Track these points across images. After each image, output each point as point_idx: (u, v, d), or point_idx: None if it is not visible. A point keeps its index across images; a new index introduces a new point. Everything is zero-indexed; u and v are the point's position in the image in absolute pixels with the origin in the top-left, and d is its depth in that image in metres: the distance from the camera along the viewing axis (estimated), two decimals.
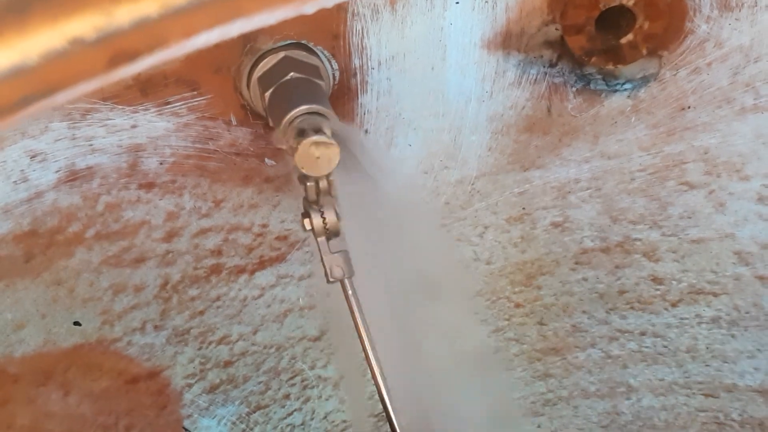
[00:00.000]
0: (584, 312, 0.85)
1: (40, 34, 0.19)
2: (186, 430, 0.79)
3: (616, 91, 0.66)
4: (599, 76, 0.65)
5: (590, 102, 0.67)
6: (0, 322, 0.65)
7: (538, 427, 0.95)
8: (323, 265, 0.58)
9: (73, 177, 0.60)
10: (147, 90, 0.57)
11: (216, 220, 0.67)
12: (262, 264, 0.72)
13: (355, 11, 0.57)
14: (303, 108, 0.52)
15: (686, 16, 0.62)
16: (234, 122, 0.61)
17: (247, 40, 0.57)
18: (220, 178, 0.64)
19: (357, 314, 0.58)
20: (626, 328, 0.86)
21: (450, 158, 0.70)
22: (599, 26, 0.61)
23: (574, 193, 0.74)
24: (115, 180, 0.62)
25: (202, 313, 0.73)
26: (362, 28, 0.58)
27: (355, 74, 0.60)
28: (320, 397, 0.84)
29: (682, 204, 0.75)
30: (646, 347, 0.88)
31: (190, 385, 0.77)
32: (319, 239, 0.58)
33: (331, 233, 0.58)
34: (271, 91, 0.55)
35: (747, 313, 0.83)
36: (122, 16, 0.20)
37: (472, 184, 0.72)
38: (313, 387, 0.83)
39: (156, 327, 0.72)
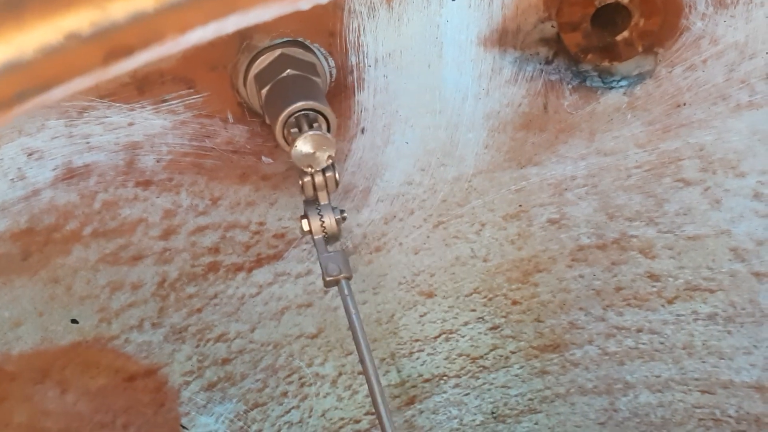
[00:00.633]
0: (581, 309, 0.85)
1: (36, 29, 0.19)
2: (184, 427, 0.79)
3: (612, 88, 0.67)
4: (595, 73, 0.66)
5: (586, 99, 0.67)
6: None
7: (536, 424, 0.95)
8: (321, 265, 0.58)
9: (70, 175, 0.60)
10: (144, 88, 0.57)
11: (213, 218, 0.67)
12: (260, 262, 0.72)
13: (352, 8, 0.57)
14: (300, 105, 0.52)
15: (681, 13, 0.62)
16: (231, 120, 0.61)
17: (244, 37, 0.57)
18: (217, 175, 0.65)
19: (353, 315, 0.58)
20: (623, 324, 0.86)
21: (447, 155, 0.70)
22: (595, 23, 0.61)
23: (571, 190, 0.75)
24: (112, 178, 0.62)
25: (199, 310, 0.73)
26: (359, 26, 0.58)
27: (352, 72, 0.60)
28: (318, 394, 0.84)
29: (678, 201, 0.76)
30: (643, 344, 0.88)
31: (187, 383, 0.77)
32: (316, 239, 0.58)
33: (330, 236, 0.57)
34: (267, 88, 0.55)
35: (743, 309, 0.83)
36: (118, 11, 0.20)
37: (469, 182, 0.72)
38: (310, 384, 0.83)
39: (153, 324, 0.72)
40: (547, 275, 0.81)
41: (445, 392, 0.90)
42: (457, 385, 0.90)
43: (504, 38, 0.62)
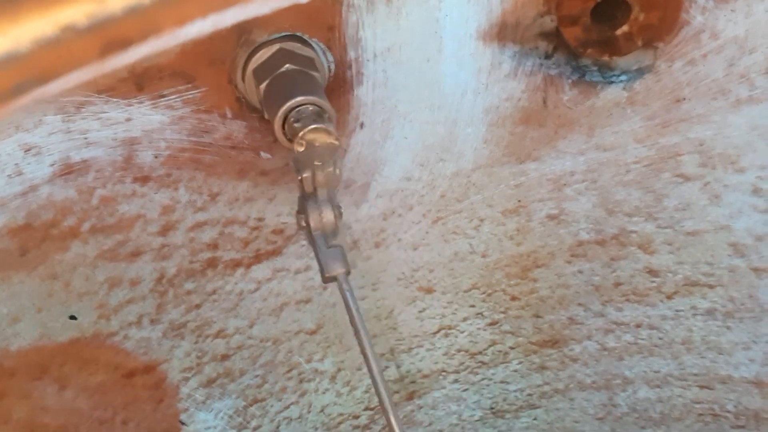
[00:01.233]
0: (580, 304, 0.85)
1: (33, 21, 0.19)
2: (183, 423, 0.79)
3: (611, 82, 0.66)
4: (595, 68, 0.65)
5: (586, 94, 0.67)
6: None
7: (535, 419, 0.96)
8: (318, 262, 0.58)
9: (68, 170, 0.60)
10: (142, 83, 0.57)
11: (211, 214, 0.67)
12: (258, 257, 0.72)
13: (350, 3, 0.57)
14: (299, 100, 0.52)
15: (682, 7, 0.62)
16: (229, 115, 0.61)
17: (242, 32, 0.57)
18: (215, 171, 0.64)
19: (354, 311, 0.58)
20: (622, 320, 0.86)
21: (446, 151, 0.69)
22: (594, 17, 0.61)
23: (570, 186, 0.75)
24: (110, 173, 0.62)
25: (198, 306, 0.73)
26: (357, 20, 0.58)
27: (351, 66, 0.60)
28: (317, 390, 0.84)
29: (677, 196, 0.76)
30: (642, 339, 0.88)
31: (186, 379, 0.77)
32: (315, 234, 0.57)
33: (328, 231, 0.57)
34: (266, 83, 0.55)
35: (742, 304, 0.84)
36: (115, 3, 0.20)
37: (468, 177, 0.72)
38: (309, 380, 0.83)
39: (152, 321, 0.72)
40: (546, 271, 0.81)
41: (444, 388, 0.90)
42: (456, 381, 0.90)
43: (503, 32, 0.62)
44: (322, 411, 0.86)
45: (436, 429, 0.93)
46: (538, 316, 0.86)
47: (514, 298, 0.84)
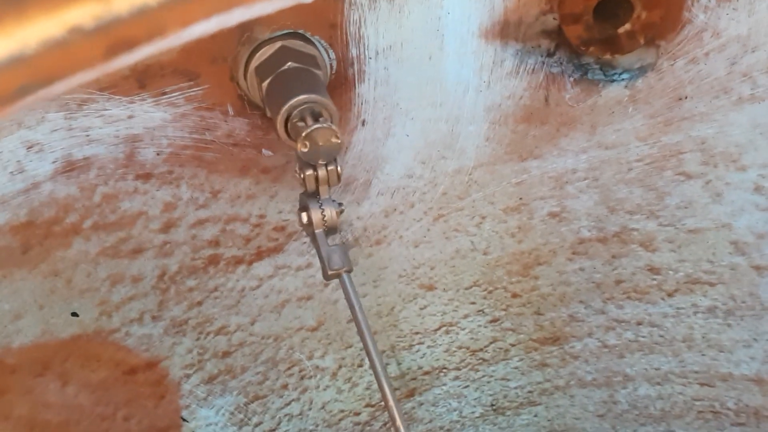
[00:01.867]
0: (581, 302, 0.85)
1: (39, 23, 0.19)
2: (184, 420, 0.79)
3: (613, 81, 0.66)
4: (597, 66, 0.65)
5: (588, 92, 0.67)
6: None
7: (535, 416, 0.96)
8: (320, 259, 0.58)
9: (70, 168, 0.60)
10: (144, 80, 0.57)
11: (213, 211, 0.67)
12: (260, 255, 0.72)
13: (353, 0, 0.57)
14: (301, 98, 0.52)
15: (684, 5, 0.62)
16: (231, 112, 0.61)
17: (244, 29, 0.57)
18: (217, 168, 0.64)
19: (356, 308, 0.58)
20: (623, 317, 0.86)
21: (447, 148, 0.69)
22: (597, 16, 0.61)
23: (572, 184, 0.75)
24: (112, 171, 0.62)
25: (199, 303, 0.73)
26: (359, 18, 0.58)
27: (353, 64, 0.60)
28: (318, 387, 0.84)
29: (679, 194, 0.76)
30: (643, 337, 0.88)
31: (188, 376, 0.77)
32: (317, 232, 0.57)
33: (330, 228, 0.57)
34: (268, 81, 0.55)
35: (743, 302, 0.84)
36: (121, 5, 0.20)
37: (470, 175, 0.72)
38: (310, 377, 0.83)
39: (154, 318, 0.72)
40: (547, 268, 0.81)
41: (444, 385, 0.90)
42: (456, 378, 0.90)
43: (505, 30, 0.62)
44: (323, 408, 0.86)
45: (436, 426, 0.93)
46: (539, 314, 0.86)
47: (515, 296, 0.84)
